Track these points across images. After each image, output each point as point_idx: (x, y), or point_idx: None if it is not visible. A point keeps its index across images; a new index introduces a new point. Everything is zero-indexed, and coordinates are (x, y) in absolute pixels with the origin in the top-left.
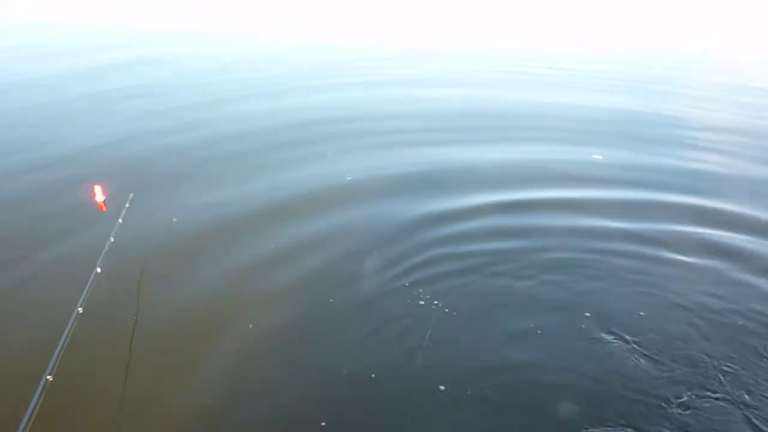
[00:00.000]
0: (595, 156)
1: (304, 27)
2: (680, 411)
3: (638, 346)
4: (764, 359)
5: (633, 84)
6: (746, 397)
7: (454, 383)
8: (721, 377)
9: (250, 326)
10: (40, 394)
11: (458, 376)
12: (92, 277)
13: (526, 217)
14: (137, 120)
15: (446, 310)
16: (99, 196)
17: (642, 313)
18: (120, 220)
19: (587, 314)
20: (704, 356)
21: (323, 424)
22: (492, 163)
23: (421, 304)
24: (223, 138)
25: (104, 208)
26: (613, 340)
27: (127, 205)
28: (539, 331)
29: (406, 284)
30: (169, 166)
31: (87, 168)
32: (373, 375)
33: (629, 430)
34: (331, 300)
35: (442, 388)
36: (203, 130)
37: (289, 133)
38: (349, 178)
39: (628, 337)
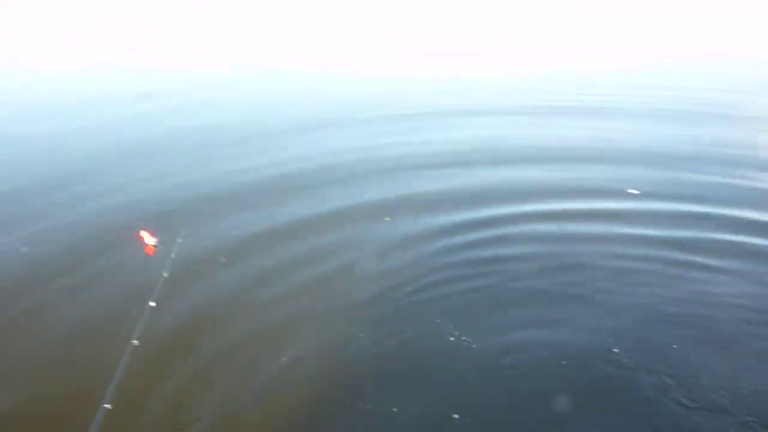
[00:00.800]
0: (631, 190)
1: None
2: None
3: (671, 379)
4: None
5: None
6: None
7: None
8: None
9: (283, 360)
10: (99, 422)
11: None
12: (146, 310)
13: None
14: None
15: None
16: (148, 239)
17: (675, 346)
18: (173, 255)
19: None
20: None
21: None
22: None
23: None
24: None
25: (152, 253)
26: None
27: (180, 240)
28: (564, 361)
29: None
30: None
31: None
32: (394, 409)
33: None
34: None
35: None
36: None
37: None
38: None
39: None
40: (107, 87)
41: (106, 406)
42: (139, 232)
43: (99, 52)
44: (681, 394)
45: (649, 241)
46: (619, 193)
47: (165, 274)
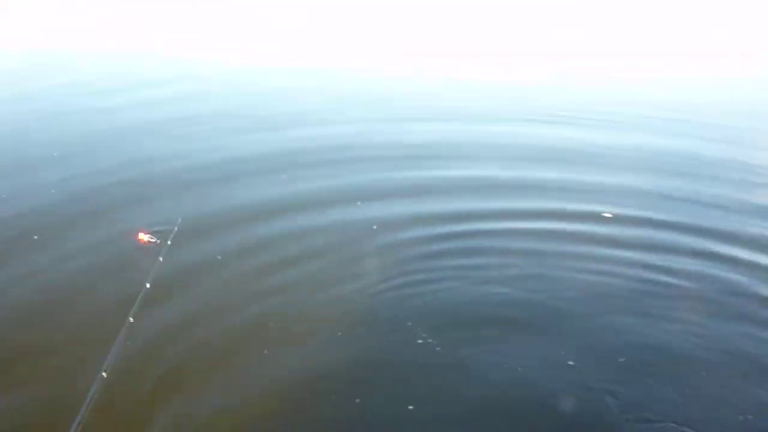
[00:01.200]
0: (605, 214)
1: None
2: None
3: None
4: None
5: None
6: None
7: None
8: None
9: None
10: (96, 388)
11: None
12: (142, 292)
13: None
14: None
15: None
16: (144, 237)
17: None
18: (168, 242)
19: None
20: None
21: None
22: None
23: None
24: None
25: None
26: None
27: (176, 228)
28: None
29: None
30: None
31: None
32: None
33: None
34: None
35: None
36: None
37: None
38: None
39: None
40: (100, 79)
41: (103, 374)
42: (137, 235)
43: (99, 49)
44: (624, 409)
45: (619, 246)
46: (595, 200)
47: (160, 259)
